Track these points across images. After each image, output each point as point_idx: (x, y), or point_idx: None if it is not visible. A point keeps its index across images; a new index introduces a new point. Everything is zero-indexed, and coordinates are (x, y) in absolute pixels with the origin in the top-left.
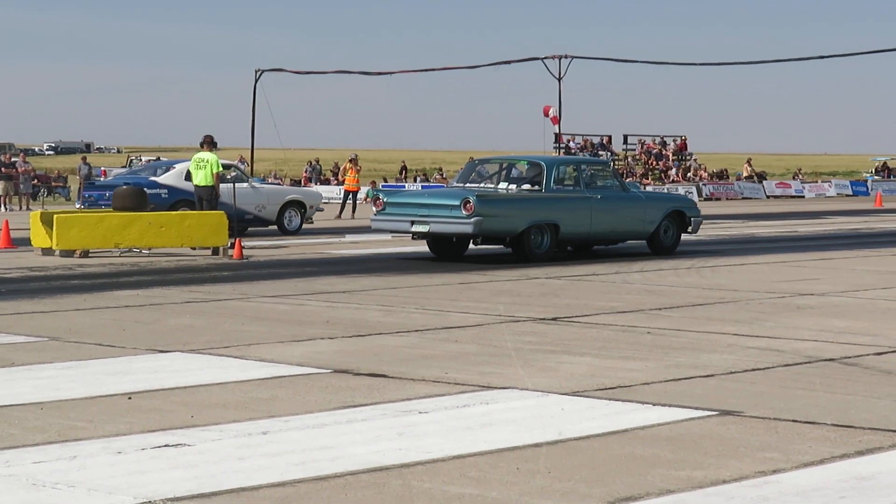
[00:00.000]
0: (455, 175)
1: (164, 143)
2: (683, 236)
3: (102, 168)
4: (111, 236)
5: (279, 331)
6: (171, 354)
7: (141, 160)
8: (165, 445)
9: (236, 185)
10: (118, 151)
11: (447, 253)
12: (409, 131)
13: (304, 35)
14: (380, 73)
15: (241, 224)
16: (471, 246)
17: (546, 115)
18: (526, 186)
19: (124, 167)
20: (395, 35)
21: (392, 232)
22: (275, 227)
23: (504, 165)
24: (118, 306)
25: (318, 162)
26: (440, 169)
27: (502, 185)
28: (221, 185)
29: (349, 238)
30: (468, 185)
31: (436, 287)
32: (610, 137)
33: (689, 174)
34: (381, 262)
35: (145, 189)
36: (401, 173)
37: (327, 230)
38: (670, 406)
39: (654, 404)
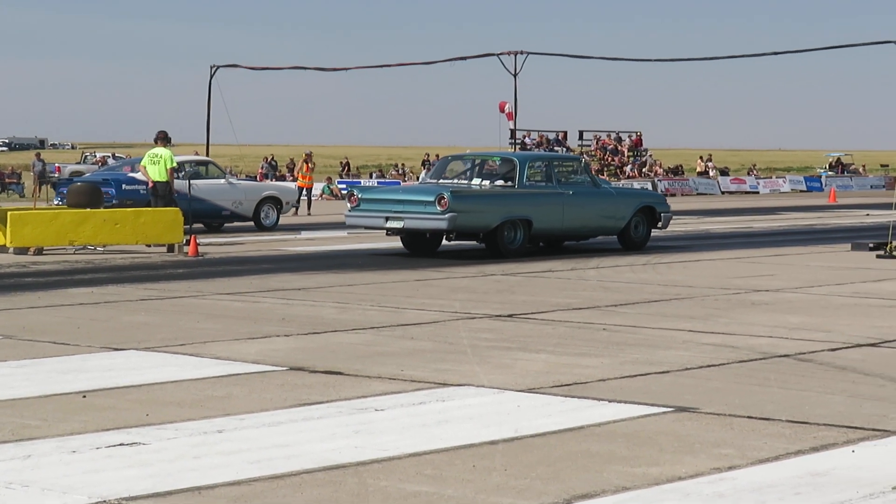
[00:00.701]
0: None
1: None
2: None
3: (56, 164)
4: (66, 233)
5: (235, 328)
6: (126, 352)
7: (95, 156)
8: (120, 444)
9: (215, 180)
10: (72, 147)
11: (421, 249)
12: (366, 127)
13: (259, 31)
14: (335, 69)
15: (218, 220)
16: (444, 242)
17: (502, 111)
18: (499, 182)
19: (78, 163)
20: (351, 30)
21: (366, 228)
22: (251, 222)
23: (477, 162)
24: (73, 304)
25: (273, 158)
26: (396, 165)
27: (475, 181)
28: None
29: (304, 235)
30: (441, 181)
31: (392, 284)
32: (565, 133)
33: (644, 170)
34: (337, 259)
35: (123, 185)
36: (344, 170)
37: (283, 227)
38: (626, 403)
39: (609, 401)
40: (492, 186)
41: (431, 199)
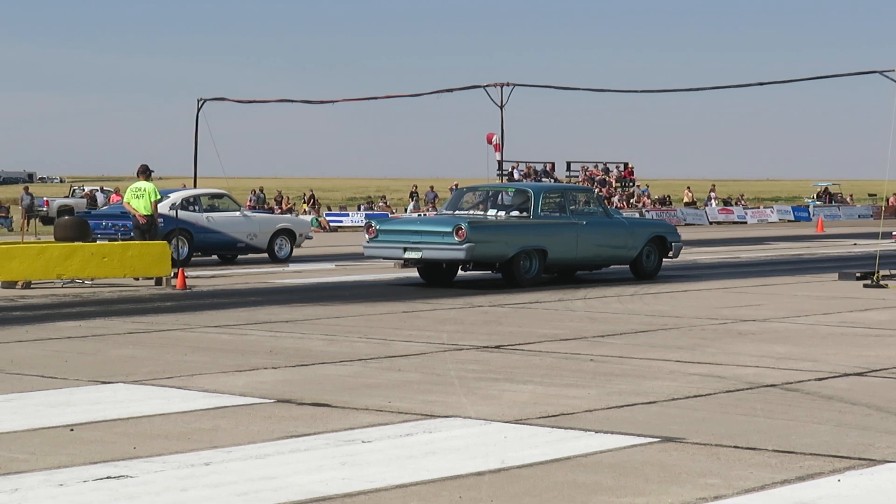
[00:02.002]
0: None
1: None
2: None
3: (45, 198)
4: (53, 267)
5: (222, 361)
6: (113, 385)
7: (83, 190)
8: (108, 477)
9: (230, 213)
10: (61, 181)
11: (437, 279)
12: (353, 159)
13: (246, 64)
14: (322, 102)
15: (233, 252)
16: (459, 272)
17: (490, 142)
18: (514, 213)
19: (66, 197)
20: (338, 64)
21: (385, 258)
22: (265, 254)
23: (491, 193)
24: (60, 337)
25: (262, 191)
26: (384, 196)
27: (491, 212)
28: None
29: (292, 267)
30: (457, 212)
31: (379, 316)
32: (553, 164)
33: (632, 200)
34: (325, 291)
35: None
36: (310, 202)
37: (269, 260)
38: (612, 433)
39: (596, 431)
40: (507, 217)
41: (449, 229)
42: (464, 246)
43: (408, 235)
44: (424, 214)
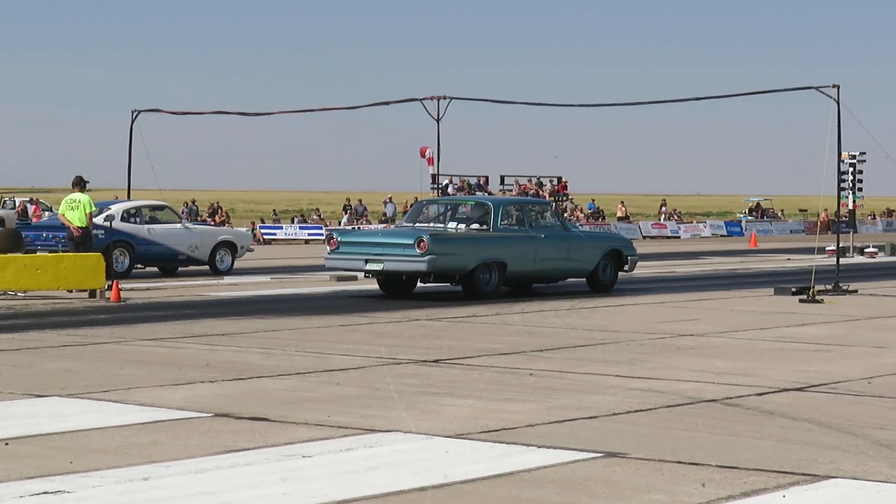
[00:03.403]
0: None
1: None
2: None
3: None
4: None
5: (159, 374)
6: (48, 399)
7: (15, 202)
8: (44, 493)
9: (171, 225)
10: None
11: (397, 291)
12: (287, 172)
13: (181, 75)
14: (258, 114)
15: (174, 264)
16: (419, 284)
17: (423, 155)
18: (474, 226)
19: None
20: (274, 76)
21: (346, 270)
22: (206, 266)
23: (450, 206)
24: None
25: (194, 203)
26: (317, 209)
27: (451, 224)
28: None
29: (227, 280)
30: (417, 224)
31: (317, 329)
32: (487, 178)
33: (565, 214)
34: (261, 305)
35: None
36: (213, 216)
37: (205, 272)
38: (555, 448)
39: (538, 446)
40: (467, 230)
41: (411, 241)
42: (425, 258)
43: (369, 247)
44: (387, 226)
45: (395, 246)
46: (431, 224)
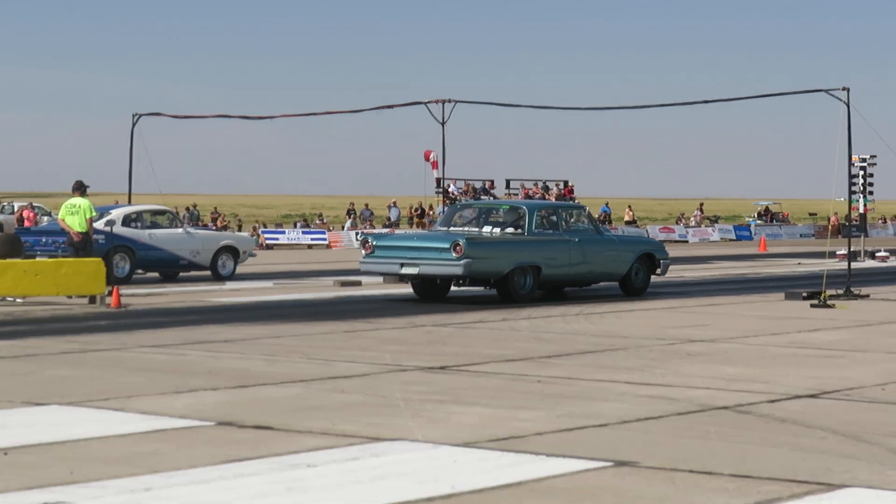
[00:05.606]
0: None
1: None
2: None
3: None
4: None
5: (160, 382)
6: (48, 407)
7: (14, 207)
8: (45, 503)
9: (172, 229)
10: None
11: (431, 295)
12: (290, 176)
13: (183, 79)
14: (260, 118)
15: (175, 269)
16: (452, 288)
17: (427, 159)
18: (509, 230)
19: None
20: (276, 79)
21: (381, 274)
22: (208, 272)
23: (484, 210)
24: None
25: (195, 207)
26: (320, 214)
27: (486, 228)
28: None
29: (230, 286)
30: (451, 228)
31: (321, 335)
32: (492, 182)
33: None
34: (264, 311)
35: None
36: (215, 221)
37: (206, 278)
38: (564, 457)
39: (548, 455)
40: (502, 234)
41: (447, 245)
42: (461, 262)
43: (405, 251)
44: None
45: (430, 250)
46: (466, 228)
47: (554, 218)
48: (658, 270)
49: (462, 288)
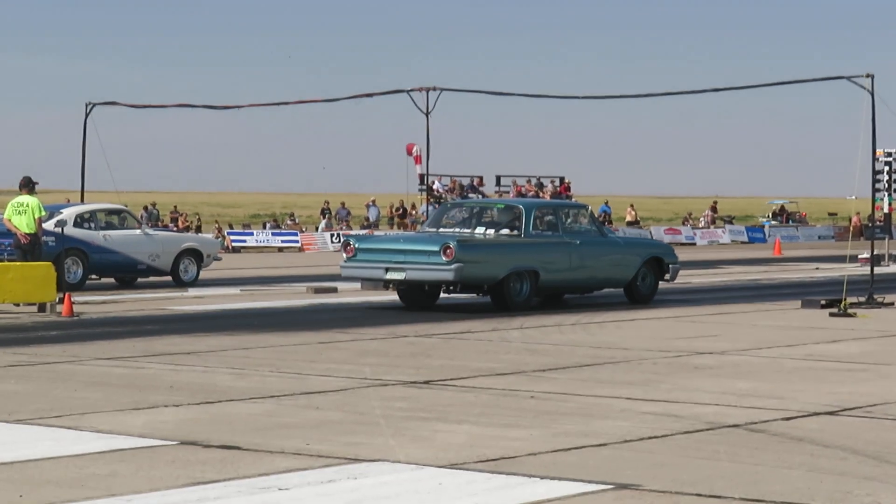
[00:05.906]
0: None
1: None
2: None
3: None
4: None
5: (117, 397)
6: None
7: None
8: None
9: (130, 231)
10: None
11: (419, 302)
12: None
13: (140, 65)
14: (226, 107)
15: (133, 274)
16: (441, 294)
17: (409, 153)
18: (504, 231)
19: None
20: (244, 64)
21: (364, 280)
22: (169, 277)
23: (477, 209)
24: None
25: (154, 206)
26: (292, 214)
27: (479, 229)
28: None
29: (192, 292)
30: (441, 230)
31: (293, 347)
32: (481, 178)
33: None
34: (230, 320)
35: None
36: (176, 222)
37: (167, 284)
38: (560, 479)
39: (542, 477)
40: (497, 235)
41: (436, 248)
42: (452, 266)
43: (390, 255)
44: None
45: (418, 253)
46: (457, 229)
47: (553, 218)
48: (667, 276)
49: (452, 295)
